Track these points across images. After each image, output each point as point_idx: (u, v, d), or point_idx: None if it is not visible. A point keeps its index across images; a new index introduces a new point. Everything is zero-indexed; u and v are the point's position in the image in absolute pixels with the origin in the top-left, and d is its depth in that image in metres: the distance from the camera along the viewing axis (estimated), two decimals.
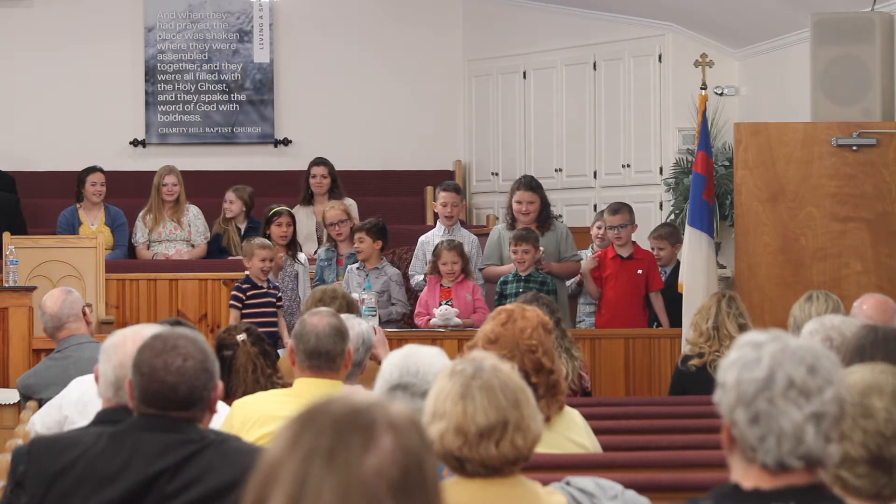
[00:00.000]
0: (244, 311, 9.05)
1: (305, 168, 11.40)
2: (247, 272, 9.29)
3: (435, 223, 10.58)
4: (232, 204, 11.10)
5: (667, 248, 9.97)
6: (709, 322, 6.99)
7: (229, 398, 5.35)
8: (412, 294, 9.81)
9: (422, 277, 9.69)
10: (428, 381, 3.71)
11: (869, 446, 2.79)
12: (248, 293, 9.17)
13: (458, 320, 9.19)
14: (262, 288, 9.21)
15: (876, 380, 2.86)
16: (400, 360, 3.82)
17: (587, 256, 9.92)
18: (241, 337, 5.76)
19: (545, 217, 9.71)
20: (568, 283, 9.83)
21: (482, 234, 10.32)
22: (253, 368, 5.69)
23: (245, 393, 5.34)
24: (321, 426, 2.02)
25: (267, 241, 9.45)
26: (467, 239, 9.83)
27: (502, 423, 3.12)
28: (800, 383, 2.52)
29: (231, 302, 9.20)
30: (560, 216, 12.21)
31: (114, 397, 3.97)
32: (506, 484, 3.17)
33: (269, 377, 5.68)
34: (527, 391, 3.20)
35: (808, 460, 2.53)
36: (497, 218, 11.91)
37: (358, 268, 9.56)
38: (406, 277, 9.84)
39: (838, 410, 2.54)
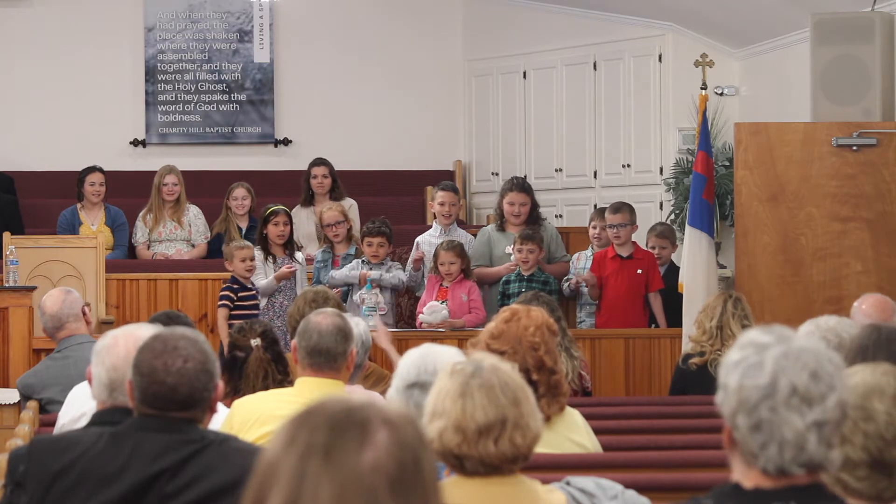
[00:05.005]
0: (233, 312, 9.16)
1: (305, 168, 11.39)
2: (231, 273, 9.46)
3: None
4: (245, 200, 11.09)
5: (668, 246, 9.98)
6: (713, 321, 6.99)
7: (236, 396, 5.33)
8: (410, 297, 9.86)
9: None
10: None
11: (870, 449, 2.78)
12: (239, 294, 9.32)
13: (446, 312, 9.18)
14: (249, 290, 9.36)
15: (877, 382, 2.84)
16: (417, 359, 3.80)
17: (587, 258, 9.91)
18: (255, 342, 5.70)
19: (535, 218, 9.75)
20: (564, 286, 9.83)
21: None
22: (264, 375, 5.64)
23: None
24: (317, 424, 2.03)
25: (245, 242, 9.66)
26: (464, 239, 9.85)
27: (501, 421, 3.11)
28: (802, 390, 2.50)
29: (222, 302, 9.31)
30: (560, 216, 12.26)
31: (108, 399, 3.94)
32: (505, 483, 3.16)
33: (279, 383, 5.63)
34: (526, 390, 3.20)
35: (809, 467, 2.52)
36: None
37: (363, 262, 9.57)
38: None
39: (840, 415, 2.53)
